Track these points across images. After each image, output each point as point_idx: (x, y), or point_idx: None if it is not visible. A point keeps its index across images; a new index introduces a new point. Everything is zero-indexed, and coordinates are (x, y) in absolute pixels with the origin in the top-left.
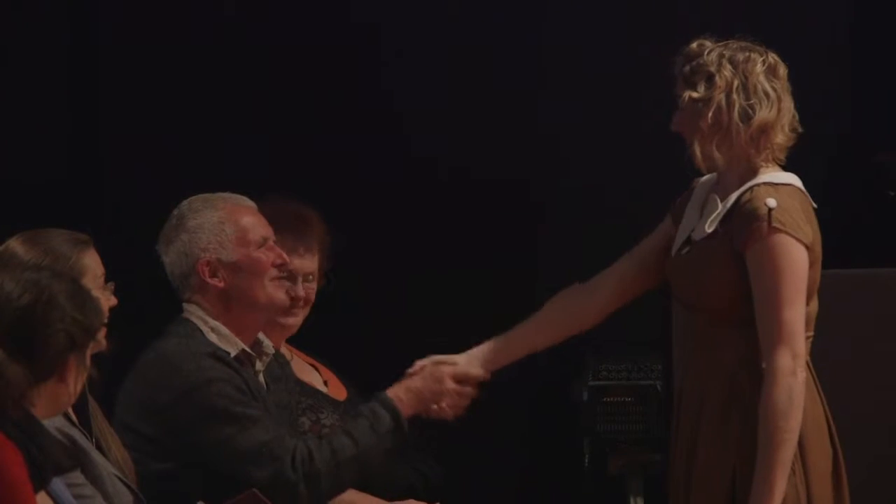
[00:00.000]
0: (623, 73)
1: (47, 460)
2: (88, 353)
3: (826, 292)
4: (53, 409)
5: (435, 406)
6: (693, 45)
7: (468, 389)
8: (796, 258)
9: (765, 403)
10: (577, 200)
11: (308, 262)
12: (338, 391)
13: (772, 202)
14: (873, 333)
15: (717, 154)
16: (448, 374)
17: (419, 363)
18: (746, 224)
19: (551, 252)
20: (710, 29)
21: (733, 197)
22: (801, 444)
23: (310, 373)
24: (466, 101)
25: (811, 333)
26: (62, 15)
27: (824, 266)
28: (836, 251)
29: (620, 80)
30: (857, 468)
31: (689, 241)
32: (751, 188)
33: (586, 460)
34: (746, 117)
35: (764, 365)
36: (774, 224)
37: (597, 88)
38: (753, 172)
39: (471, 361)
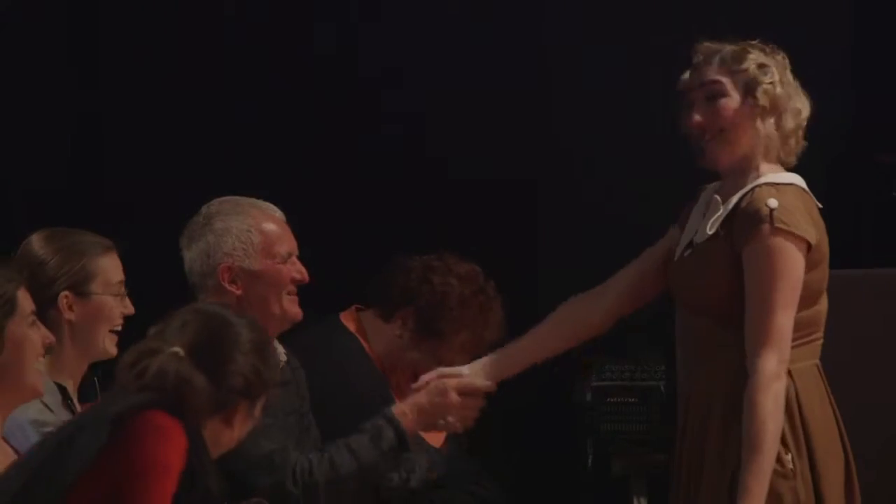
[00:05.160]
0: (625, 74)
1: (197, 481)
2: (257, 408)
3: (827, 292)
4: (211, 449)
5: (442, 421)
6: (736, 47)
7: (475, 401)
8: (794, 262)
9: (749, 406)
10: (579, 200)
11: None
12: None
13: (773, 202)
14: (874, 334)
15: (739, 150)
16: (453, 386)
17: (424, 377)
18: (748, 225)
19: (552, 252)
20: (712, 30)
21: (735, 198)
22: (809, 448)
23: None
24: (467, 100)
25: (820, 334)
26: (62, 16)
27: None
28: (837, 251)
29: (622, 81)
30: (858, 469)
31: (691, 244)
32: (752, 189)
33: (589, 461)
34: (781, 117)
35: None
36: (777, 224)
37: (598, 88)
38: (757, 174)
39: (476, 373)
